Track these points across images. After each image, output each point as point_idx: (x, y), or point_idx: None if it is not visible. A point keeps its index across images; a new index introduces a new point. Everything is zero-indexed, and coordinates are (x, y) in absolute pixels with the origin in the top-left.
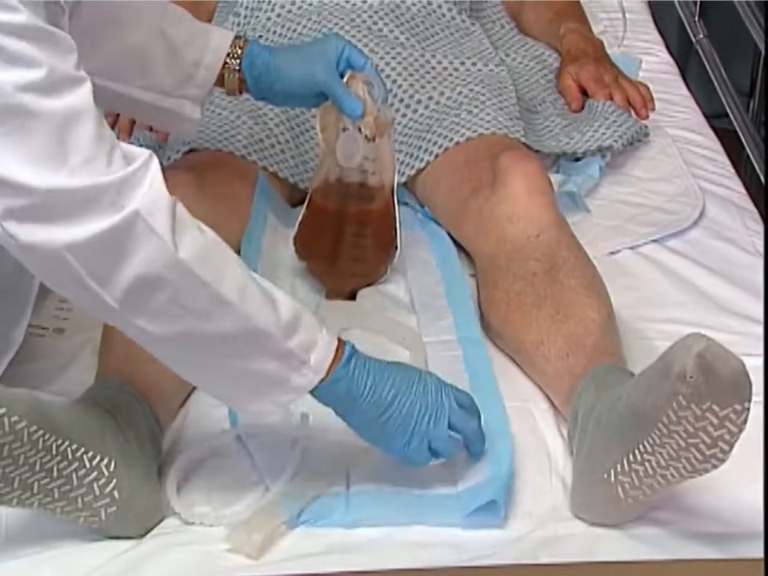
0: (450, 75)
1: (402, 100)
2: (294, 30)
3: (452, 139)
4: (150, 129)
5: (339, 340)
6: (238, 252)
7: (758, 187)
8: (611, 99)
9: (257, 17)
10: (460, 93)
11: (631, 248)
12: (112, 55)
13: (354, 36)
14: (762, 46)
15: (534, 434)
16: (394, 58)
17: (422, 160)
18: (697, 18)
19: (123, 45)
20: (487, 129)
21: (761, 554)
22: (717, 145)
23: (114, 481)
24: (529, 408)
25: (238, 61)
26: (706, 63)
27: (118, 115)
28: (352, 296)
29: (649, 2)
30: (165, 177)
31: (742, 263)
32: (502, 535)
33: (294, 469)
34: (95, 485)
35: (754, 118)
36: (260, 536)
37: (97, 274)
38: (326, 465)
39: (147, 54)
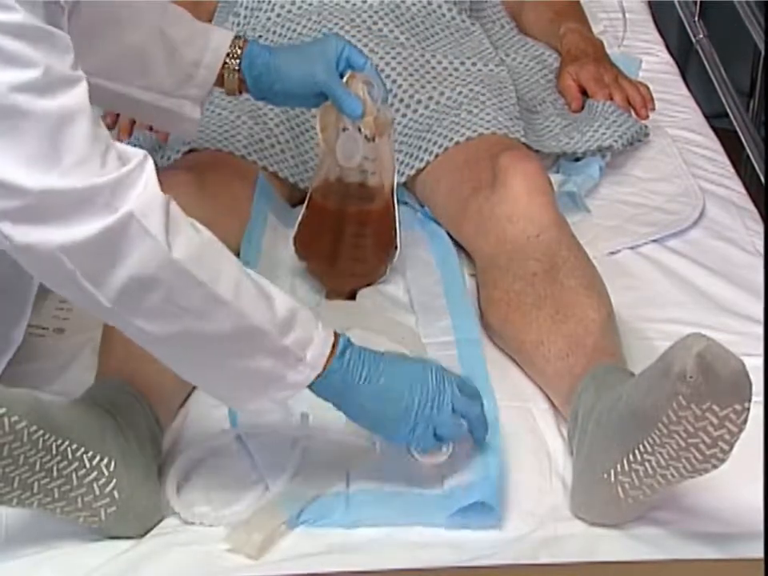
0: (450, 75)
1: (401, 100)
2: (294, 30)
3: (452, 139)
4: (150, 129)
5: (335, 334)
6: (238, 252)
7: (758, 187)
8: (611, 99)
9: (257, 17)
10: (460, 93)
11: (631, 248)
12: (112, 55)
13: (354, 36)
14: (761, 46)
15: (534, 434)
16: (393, 58)
17: (421, 160)
18: (697, 18)
19: (123, 45)
20: (487, 129)
21: (761, 554)
22: (717, 145)
23: (114, 481)
24: (529, 408)
25: (237, 61)
26: (705, 63)
27: (117, 115)
28: (352, 296)
29: (649, 2)
30: (164, 176)
31: (742, 263)
32: (502, 535)
33: (293, 469)
34: (95, 485)
35: (754, 118)
36: (260, 536)
37: (91, 274)
38: (326, 465)
39: (147, 53)
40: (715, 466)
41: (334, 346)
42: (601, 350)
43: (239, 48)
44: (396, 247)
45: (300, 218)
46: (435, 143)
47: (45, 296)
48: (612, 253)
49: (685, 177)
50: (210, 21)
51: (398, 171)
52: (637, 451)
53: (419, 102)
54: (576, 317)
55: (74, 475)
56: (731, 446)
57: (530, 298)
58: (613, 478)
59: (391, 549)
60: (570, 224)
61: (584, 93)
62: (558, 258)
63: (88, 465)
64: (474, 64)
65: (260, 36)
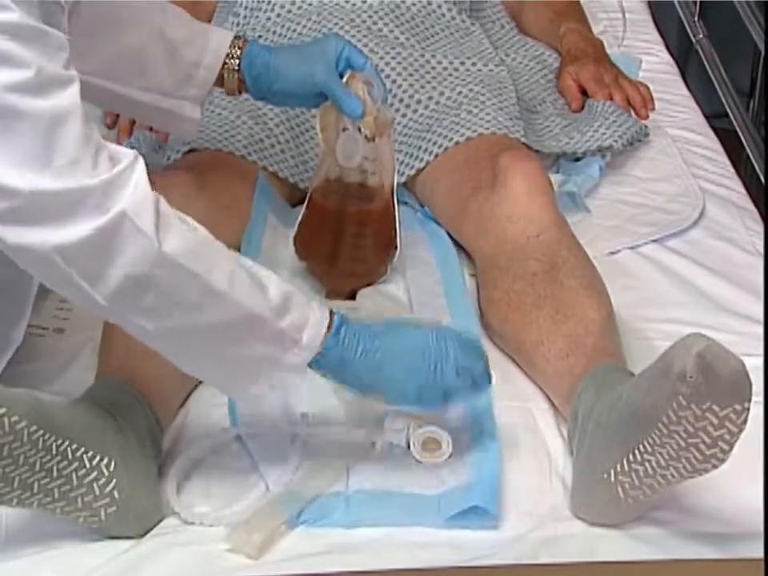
0: (450, 75)
1: (401, 100)
2: (294, 30)
3: (452, 139)
4: (150, 129)
5: (330, 312)
6: (238, 252)
7: (758, 187)
8: (611, 99)
9: (256, 17)
10: (460, 93)
11: (631, 248)
12: (111, 56)
13: (353, 36)
14: (761, 46)
15: (534, 434)
16: (393, 58)
17: (421, 160)
18: (697, 18)
19: (122, 45)
20: (487, 129)
21: (761, 554)
22: (717, 145)
23: (114, 481)
24: (529, 408)
25: (237, 61)
26: (705, 63)
27: (117, 115)
28: (352, 296)
29: (649, 2)
30: (164, 176)
31: (742, 263)
32: (502, 535)
33: (293, 469)
34: (95, 485)
35: (754, 118)
36: (260, 536)
37: (87, 274)
38: (326, 465)
39: (146, 54)
40: (715, 466)
41: (330, 325)
42: (601, 349)
43: (239, 48)
44: (396, 247)
45: (300, 217)
46: (435, 143)
47: (45, 296)
48: (612, 253)
49: (685, 177)
50: (209, 21)
51: (398, 171)
52: (637, 451)
53: (419, 102)
54: (576, 317)
55: (73, 475)
56: (731, 446)
57: (530, 297)
58: (613, 478)
59: (391, 549)
60: (570, 224)
61: (584, 93)
62: (558, 257)
63: (88, 465)
64: (473, 64)
65: (260, 36)
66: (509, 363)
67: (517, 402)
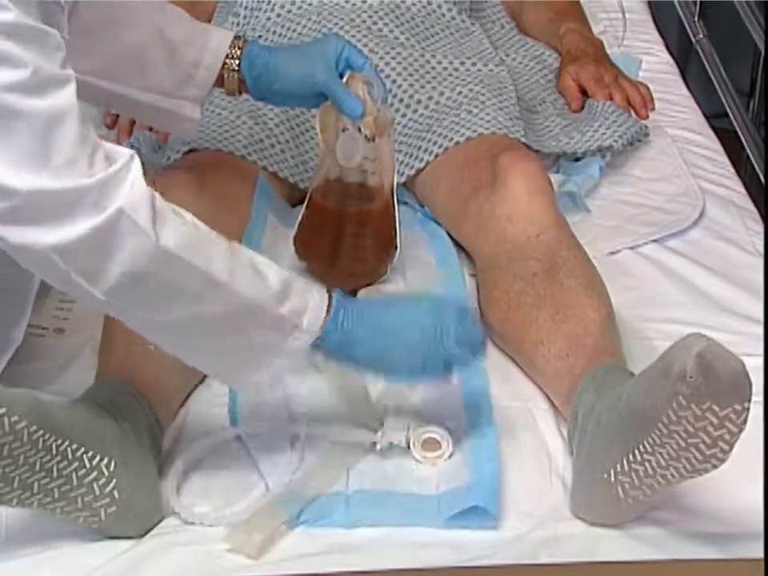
0: (450, 75)
1: (401, 100)
2: (294, 30)
3: (452, 139)
4: (150, 129)
5: (330, 296)
6: None
7: (758, 187)
8: (611, 99)
9: (256, 17)
10: (460, 93)
11: (631, 248)
12: (111, 55)
13: (353, 36)
14: (761, 46)
15: (534, 434)
16: (393, 58)
17: (421, 160)
18: (697, 18)
19: (122, 45)
20: (487, 129)
21: (761, 554)
22: (717, 145)
23: (114, 481)
24: (529, 408)
25: (237, 61)
26: (705, 63)
27: (117, 115)
28: (352, 296)
29: (649, 2)
30: (164, 176)
31: (742, 263)
32: (502, 535)
33: (294, 469)
34: (95, 485)
35: (754, 118)
36: (260, 536)
37: (85, 272)
38: (326, 465)
39: (146, 54)
40: (715, 466)
41: (329, 308)
42: (601, 350)
43: (239, 48)
44: (396, 247)
45: (300, 217)
46: (435, 143)
47: (45, 296)
48: (612, 253)
49: (685, 177)
50: (208, 21)
51: (398, 171)
52: (637, 451)
53: (419, 102)
54: (576, 317)
55: (73, 475)
56: (731, 446)
57: (530, 297)
58: (613, 478)
59: (391, 549)
60: (570, 224)
61: (584, 93)
62: (558, 257)
63: (88, 465)
64: (473, 64)
65: (260, 36)
66: (509, 363)
67: (517, 402)
